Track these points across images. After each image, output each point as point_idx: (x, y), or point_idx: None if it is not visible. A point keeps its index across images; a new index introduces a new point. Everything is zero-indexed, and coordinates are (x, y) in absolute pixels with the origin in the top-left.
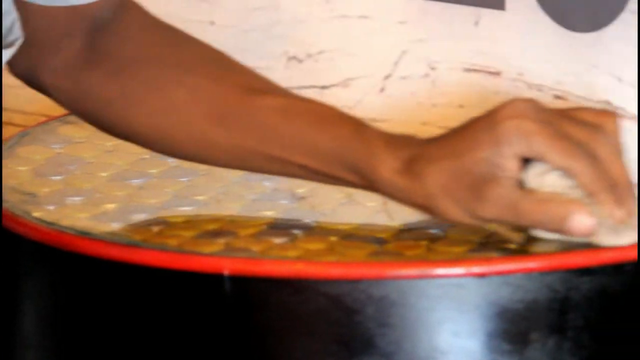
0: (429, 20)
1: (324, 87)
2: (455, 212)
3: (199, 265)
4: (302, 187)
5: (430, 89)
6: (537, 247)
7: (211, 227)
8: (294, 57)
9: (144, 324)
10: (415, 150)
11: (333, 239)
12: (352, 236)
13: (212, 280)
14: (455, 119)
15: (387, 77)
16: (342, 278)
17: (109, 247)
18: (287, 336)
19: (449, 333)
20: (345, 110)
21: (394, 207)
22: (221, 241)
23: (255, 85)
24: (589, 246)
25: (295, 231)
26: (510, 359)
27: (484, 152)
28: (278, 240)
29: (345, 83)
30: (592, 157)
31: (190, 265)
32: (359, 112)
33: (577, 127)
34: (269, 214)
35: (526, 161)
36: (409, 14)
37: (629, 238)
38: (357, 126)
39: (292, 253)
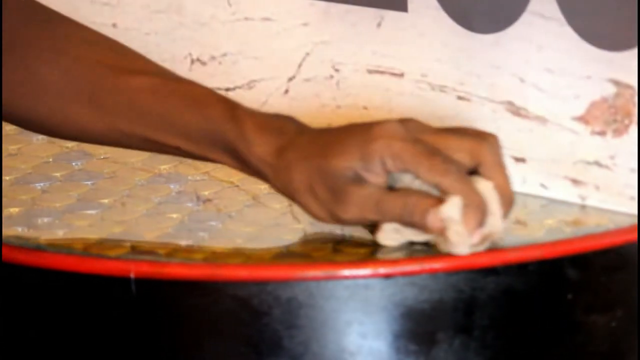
0: (331, 22)
1: (228, 90)
2: (316, 209)
3: (105, 269)
4: (208, 189)
5: (334, 90)
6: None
7: (117, 230)
8: (197, 60)
9: (52, 328)
10: (287, 139)
11: (239, 241)
12: (258, 238)
13: (119, 283)
14: (360, 121)
15: (291, 79)
16: (249, 280)
17: (15, 252)
18: (195, 339)
19: (356, 334)
20: None
21: (300, 209)
22: (127, 244)
23: (128, 66)
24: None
25: (201, 233)
26: (417, 359)
27: (352, 162)
28: (184, 243)
29: (249, 85)
30: (462, 174)
31: (97, 269)
32: None
33: (458, 139)
34: (175, 216)
35: None
36: (311, 16)
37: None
38: (229, 108)
39: (198, 255)
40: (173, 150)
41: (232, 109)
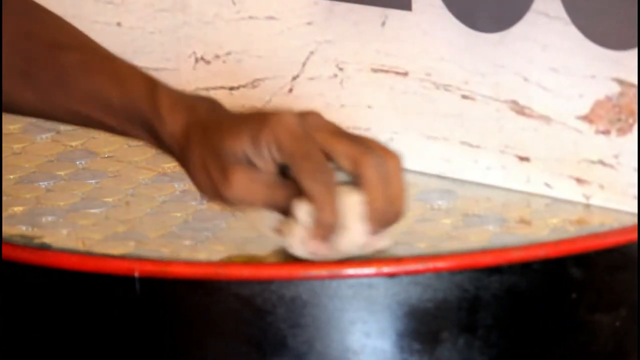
0: (335, 21)
1: (232, 88)
2: (205, 187)
3: (109, 268)
4: None
5: (338, 89)
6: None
7: (121, 229)
8: (201, 59)
9: (56, 327)
10: (195, 118)
11: (243, 240)
12: (263, 237)
13: (123, 282)
14: (364, 120)
15: (295, 78)
16: (253, 279)
17: (19, 250)
18: (198, 338)
19: (360, 333)
20: None
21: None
22: (131, 243)
23: (62, 41)
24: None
25: (205, 233)
26: (421, 359)
27: (243, 145)
28: (188, 242)
29: (253, 84)
30: (329, 185)
31: (101, 268)
32: None
33: (347, 145)
34: (179, 215)
35: None
36: (315, 15)
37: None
38: (150, 87)
39: (202, 255)
40: (98, 124)
41: (152, 87)
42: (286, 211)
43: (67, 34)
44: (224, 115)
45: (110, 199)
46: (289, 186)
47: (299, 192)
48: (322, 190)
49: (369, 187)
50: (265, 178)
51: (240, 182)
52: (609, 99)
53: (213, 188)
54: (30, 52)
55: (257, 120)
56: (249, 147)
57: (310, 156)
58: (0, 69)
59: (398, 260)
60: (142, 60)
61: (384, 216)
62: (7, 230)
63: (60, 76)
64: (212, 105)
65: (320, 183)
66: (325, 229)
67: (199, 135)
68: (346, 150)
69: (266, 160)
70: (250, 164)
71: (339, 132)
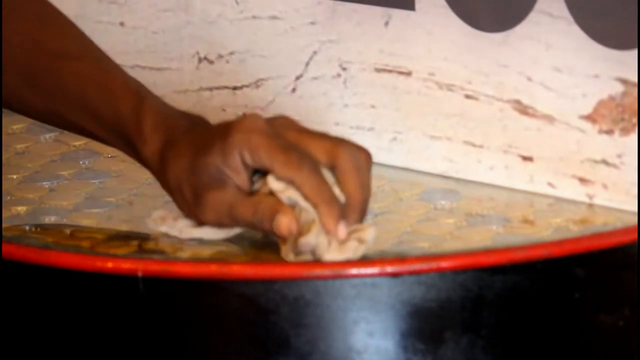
0: (339, 21)
1: (235, 88)
2: (185, 210)
3: (112, 267)
4: None
5: (341, 89)
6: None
7: (123, 228)
8: (205, 59)
9: (59, 327)
10: (171, 137)
11: (247, 239)
12: (266, 237)
13: (126, 282)
14: (368, 120)
15: (298, 77)
16: (256, 278)
17: (21, 250)
18: (202, 337)
19: (363, 333)
20: (258, 111)
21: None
22: (134, 243)
23: (66, 50)
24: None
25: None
26: (424, 358)
27: (213, 158)
28: (191, 242)
29: (256, 84)
30: (317, 170)
31: (104, 267)
32: (271, 113)
33: (319, 139)
34: None
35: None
36: (319, 14)
37: (348, 254)
38: (137, 102)
39: (205, 254)
40: (90, 135)
41: (139, 104)
42: (252, 227)
43: (73, 43)
44: (198, 133)
45: (113, 199)
46: (249, 202)
47: (260, 205)
48: (311, 175)
49: (347, 177)
50: (230, 198)
51: (212, 206)
52: (612, 98)
53: (190, 211)
54: (37, 60)
55: (224, 129)
56: (219, 159)
57: (288, 149)
58: None
59: (401, 260)
60: (145, 60)
61: (362, 205)
62: (10, 230)
63: (60, 86)
64: (192, 123)
65: (307, 170)
66: (334, 207)
67: (175, 155)
68: (321, 144)
69: (238, 170)
70: (221, 181)
71: (307, 131)
